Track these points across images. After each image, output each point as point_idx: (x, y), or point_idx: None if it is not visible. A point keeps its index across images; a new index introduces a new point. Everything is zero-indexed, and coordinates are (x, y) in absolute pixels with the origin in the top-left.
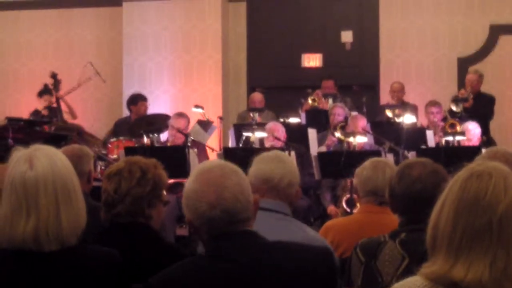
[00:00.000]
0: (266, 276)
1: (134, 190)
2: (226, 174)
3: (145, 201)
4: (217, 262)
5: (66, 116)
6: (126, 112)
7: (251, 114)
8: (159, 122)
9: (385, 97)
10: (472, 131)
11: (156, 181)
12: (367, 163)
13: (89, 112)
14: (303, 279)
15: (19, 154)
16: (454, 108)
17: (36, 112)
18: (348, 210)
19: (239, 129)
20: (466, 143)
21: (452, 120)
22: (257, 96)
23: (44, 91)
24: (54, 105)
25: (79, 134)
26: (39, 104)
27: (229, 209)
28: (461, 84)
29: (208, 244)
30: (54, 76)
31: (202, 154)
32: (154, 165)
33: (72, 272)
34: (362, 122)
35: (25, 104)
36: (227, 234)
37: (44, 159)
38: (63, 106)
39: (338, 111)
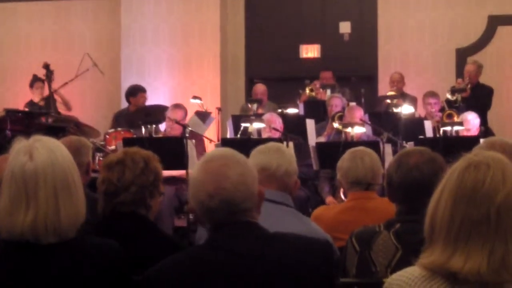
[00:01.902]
0: (263, 268)
1: (138, 179)
2: (229, 163)
3: (147, 191)
4: (214, 253)
5: (61, 108)
6: (124, 104)
7: (249, 105)
8: (158, 113)
9: (383, 88)
10: (471, 121)
11: (157, 172)
12: (346, 154)
13: (88, 104)
14: (300, 271)
15: (19, 145)
16: (449, 97)
17: (31, 103)
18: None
19: (237, 120)
20: (465, 133)
21: (450, 110)
22: (260, 87)
23: (34, 81)
24: (47, 95)
25: (77, 126)
26: (33, 96)
27: (227, 199)
28: (459, 75)
29: (210, 233)
30: (46, 66)
31: (200, 145)
32: (153, 156)
33: (71, 264)
34: (359, 113)
35: (23, 97)
36: (227, 225)
37: (44, 151)
38: (58, 98)
39: (336, 102)
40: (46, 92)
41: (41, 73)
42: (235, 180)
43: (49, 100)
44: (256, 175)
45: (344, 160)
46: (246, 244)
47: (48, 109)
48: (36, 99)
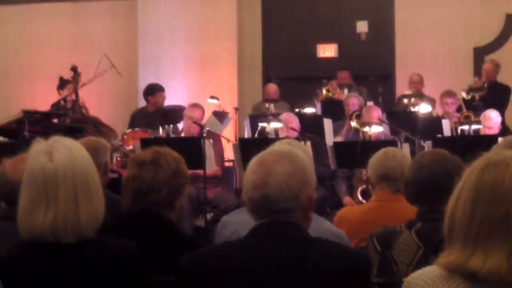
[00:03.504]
0: (293, 271)
1: (171, 180)
2: (282, 160)
3: (177, 193)
4: (247, 249)
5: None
6: (141, 104)
7: (267, 105)
8: (175, 114)
9: (401, 87)
10: (493, 119)
11: (186, 175)
12: (379, 152)
13: (105, 104)
14: (332, 282)
15: (39, 146)
16: (464, 95)
17: (57, 104)
18: (364, 201)
19: (254, 120)
20: (487, 131)
21: (467, 112)
22: (272, 87)
23: (64, 83)
24: (73, 97)
25: (95, 126)
26: (57, 97)
27: (267, 195)
28: (477, 73)
29: (251, 228)
30: (74, 69)
31: (217, 145)
32: (181, 158)
33: (90, 264)
34: (377, 113)
35: (40, 97)
36: (265, 222)
37: (64, 151)
38: (81, 101)
39: (353, 101)
40: (72, 94)
41: (63, 74)
42: (281, 178)
43: (76, 102)
44: (310, 180)
45: (376, 156)
46: (280, 244)
47: (74, 111)
48: (68, 99)
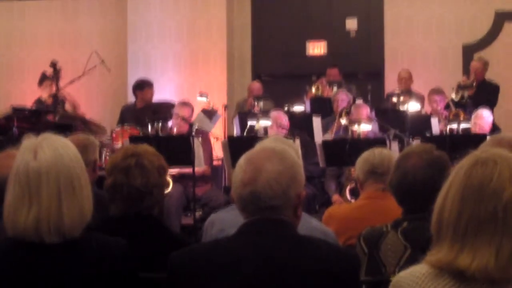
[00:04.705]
0: (282, 269)
1: (158, 180)
2: (272, 158)
3: (164, 187)
4: (235, 247)
5: (69, 107)
6: (131, 101)
7: (256, 102)
8: (165, 110)
9: (390, 84)
10: (486, 118)
11: (166, 167)
12: (366, 151)
13: (94, 101)
14: (322, 280)
15: (27, 143)
16: (453, 96)
17: (39, 101)
18: (352, 199)
19: (243, 117)
20: (478, 130)
21: (456, 110)
22: (256, 85)
23: (43, 79)
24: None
25: (84, 123)
26: (42, 94)
27: (257, 192)
28: (466, 71)
29: (240, 225)
30: (53, 65)
31: (206, 143)
32: (157, 151)
33: (75, 263)
34: (365, 110)
35: (30, 94)
36: (254, 220)
37: (49, 150)
38: (67, 97)
39: (342, 97)
40: (54, 90)
41: (49, 70)
42: (270, 176)
43: (56, 98)
44: (299, 177)
45: (363, 155)
46: (268, 242)
47: (55, 107)
48: (45, 97)
